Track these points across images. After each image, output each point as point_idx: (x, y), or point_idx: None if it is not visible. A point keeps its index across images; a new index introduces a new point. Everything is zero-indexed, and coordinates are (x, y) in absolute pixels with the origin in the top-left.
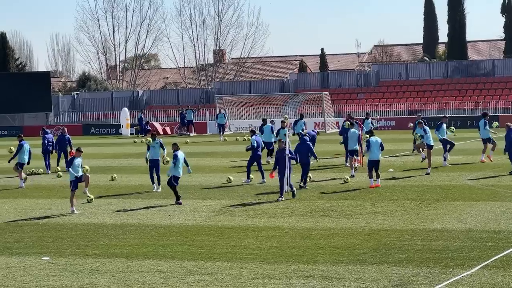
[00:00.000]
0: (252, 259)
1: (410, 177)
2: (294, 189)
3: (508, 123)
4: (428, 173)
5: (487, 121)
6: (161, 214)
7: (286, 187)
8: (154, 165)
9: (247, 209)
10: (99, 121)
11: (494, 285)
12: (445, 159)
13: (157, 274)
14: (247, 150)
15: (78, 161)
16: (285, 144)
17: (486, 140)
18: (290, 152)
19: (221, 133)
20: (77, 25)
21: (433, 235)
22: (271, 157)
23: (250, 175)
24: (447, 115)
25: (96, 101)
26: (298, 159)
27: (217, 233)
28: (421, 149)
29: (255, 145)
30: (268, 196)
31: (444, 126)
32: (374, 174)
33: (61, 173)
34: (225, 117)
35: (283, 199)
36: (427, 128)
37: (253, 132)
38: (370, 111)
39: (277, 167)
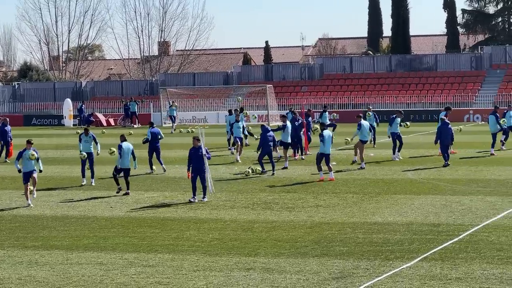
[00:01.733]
0: (193, 251)
1: (353, 170)
2: (211, 188)
3: (442, 117)
4: (363, 167)
5: (498, 115)
6: (103, 206)
7: (211, 188)
8: (87, 158)
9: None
10: (41, 111)
11: (432, 277)
12: (394, 153)
13: (97, 266)
14: (143, 143)
15: (27, 153)
16: (199, 142)
17: (495, 134)
18: (206, 151)
19: (173, 124)
20: (18, 14)
21: (374, 228)
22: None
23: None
24: (402, 110)
25: (38, 91)
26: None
27: (159, 225)
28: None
29: (149, 137)
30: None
31: (398, 120)
32: (326, 167)
33: None
34: (176, 108)
35: (195, 200)
36: (362, 122)
37: (151, 124)
38: (327, 104)
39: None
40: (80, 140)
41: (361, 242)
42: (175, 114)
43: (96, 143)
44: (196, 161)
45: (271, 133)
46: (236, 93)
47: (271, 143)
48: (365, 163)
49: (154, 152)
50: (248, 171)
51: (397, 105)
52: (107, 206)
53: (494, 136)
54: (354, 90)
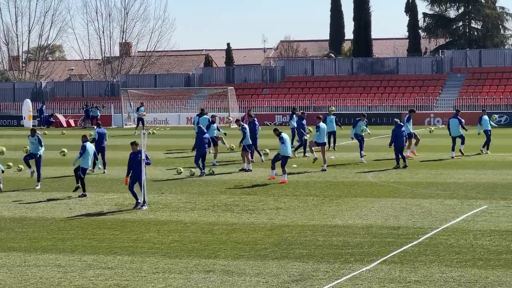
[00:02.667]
0: (153, 253)
1: (314, 172)
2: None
3: (396, 119)
4: (324, 170)
5: (460, 119)
6: (62, 207)
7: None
8: (31, 158)
9: (150, 203)
10: (0, 112)
11: (391, 280)
12: (361, 156)
13: (56, 269)
14: (90, 143)
15: None
16: (138, 147)
17: (455, 138)
18: (146, 156)
19: (142, 125)
20: None
21: (334, 231)
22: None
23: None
24: (365, 113)
25: None
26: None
27: (118, 227)
28: (313, 149)
29: (96, 137)
30: (171, 190)
31: (361, 123)
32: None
33: None
34: (141, 110)
35: (140, 207)
36: (320, 125)
37: (98, 124)
38: (297, 106)
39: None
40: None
41: (321, 245)
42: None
43: (41, 145)
44: (134, 166)
45: (207, 135)
46: (198, 94)
47: (206, 145)
48: (326, 166)
49: (100, 153)
50: (193, 171)
51: (359, 108)
52: (66, 208)
53: (454, 139)
54: (315, 92)
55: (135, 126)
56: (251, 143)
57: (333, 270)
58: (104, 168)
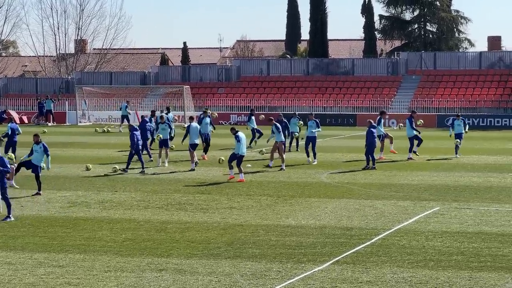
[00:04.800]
0: (105, 252)
1: (267, 172)
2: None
3: (370, 120)
4: (283, 169)
5: (413, 120)
6: (14, 205)
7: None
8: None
9: (103, 201)
10: None
11: (343, 280)
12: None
13: (6, 266)
14: (2, 137)
15: None
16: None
17: (411, 138)
18: (3, 163)
19: (121, 123)
20: None
21: (287, 231)
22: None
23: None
24: (313, 112)
25: None
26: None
27: (71, 225)
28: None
29: (9, 132)
30: (125, 188)
31: (311, 123)
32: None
33: None
34: (126, 108)
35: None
36: (278, 125)
37: (10, 120)
38: (253, 107)
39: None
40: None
41: (274, 245)
42: (126, 114)
43: (47, 155)
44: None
45: (138, 132)
46: (153, 92)
47: (140, 142)
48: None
49: (11, 147)
50: (116, 168)
51: (313, 109)
52: (18, 205)
53: (411, 140)
54: (270, 92)
55: (120, 123)
56: (197, 142)
57: (286, 270)
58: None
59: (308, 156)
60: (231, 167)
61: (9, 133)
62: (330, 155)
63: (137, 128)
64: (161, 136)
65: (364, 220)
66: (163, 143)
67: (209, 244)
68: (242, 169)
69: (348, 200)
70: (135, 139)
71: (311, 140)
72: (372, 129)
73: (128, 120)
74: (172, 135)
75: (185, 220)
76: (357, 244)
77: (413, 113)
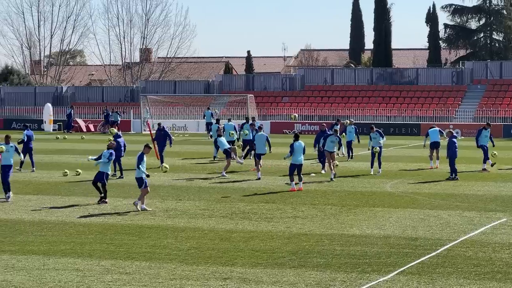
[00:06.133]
0: (170, 260)
1: (331, 182)
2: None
3: (451, 130)
4: (332, 179)
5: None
6: (81, 212)
7: None
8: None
9: (168, 209)
10: (21, 116)
11: None
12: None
13: (74, 273)
14: (18, 143)
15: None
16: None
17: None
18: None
19: (208, 131)
20: (0, 17)
21: (351, 241)
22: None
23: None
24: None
25: (18, 95)
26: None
27: (136, 232)
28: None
29: (25, 139)
30: (189, 197)
31: (374, 135)
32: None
33: None
34: (212, 115)
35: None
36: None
37: (25, 127)
38: (340, 116)
39: None
40: None
41: (338, 254)
42: (210, 120)
43: (19, 153)
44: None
45: (122, 139)
46: (217, 101)
47: (122, 148)
48: (335, 175)
49: (28, 153)
50: (166, 167)
51: (377, 118)
52: (85, 212)
53: (485, 151)
54: (334, 102)
55: (206, 131)
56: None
57: (351, 280)
58: (33, 167)
59: (372, 167)
60: (292, 180)
61: (25, 139)
62: (394, 165)
63: (121, 135)
64: (240, 143)
65: (429, 231)
66: (227, 153)
67: (273, 253)
68: (302, 177)
69: (413, 210)
70: (120, 146)
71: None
72: (453, 139)
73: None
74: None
75: (250, 229)
76: (422, 254)
77: (488, 125)
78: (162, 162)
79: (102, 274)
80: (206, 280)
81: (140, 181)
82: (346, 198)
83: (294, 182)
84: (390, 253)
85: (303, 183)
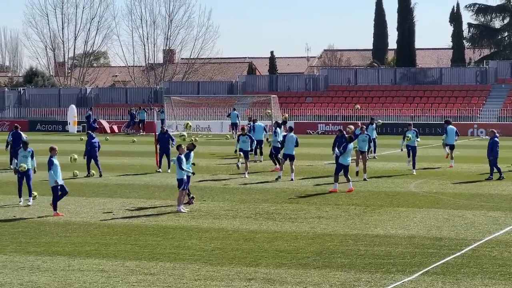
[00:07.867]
0: (195, 260)
1: (356, 182)
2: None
3: (493, 129)
4: (366, 179)
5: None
6: (106, 213)
7: None
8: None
9: (192, 210)
10: (45, 117)
11: None
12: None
13: (99, 273)
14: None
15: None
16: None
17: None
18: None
19: (234, 131)
20: (25, 19)
21: (376, 241)
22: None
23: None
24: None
25: (43, 97)
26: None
27: (160, 233)
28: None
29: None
30: (213, 197)
31: (409, 133)
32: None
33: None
34: (237, 116)
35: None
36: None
37: (15, 127)
38: (374, 116)
39: None
40: (16, 157)
41: (362, 254)
42: (236, 121)
43: (32, 158)
44: None
45: (96, 139)
46: (241, 102)
47: (96, 149)
48: (367, 176)
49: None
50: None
51: (401, 118)
52: (110, 213)
53: None
54: (358, 102)
55: (232, 131)
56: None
57: (375, 280)
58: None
59: (408, 164)
60: (336, 180)
61: (10, 140)
62: (418, 165)
63: (94, 136)
64: (271, 141)
65: (453, 231)
66: (244, 154)
67: (297, 254)
68: (349, 178)
69: (437, 210)
70: (94, 146)
71: (411, 149)
72: (495, 139)
73: (236, 128)
74: (253, 147)
75: (274, 230)
76: (447, 254)
77: None
78: (160, 166)
79: (126, 275)
80: (231, 280)
81: (180, 182)
82: (370, 198)
83: (337, 184)
84: (415, 253)
85: (324, 184)
